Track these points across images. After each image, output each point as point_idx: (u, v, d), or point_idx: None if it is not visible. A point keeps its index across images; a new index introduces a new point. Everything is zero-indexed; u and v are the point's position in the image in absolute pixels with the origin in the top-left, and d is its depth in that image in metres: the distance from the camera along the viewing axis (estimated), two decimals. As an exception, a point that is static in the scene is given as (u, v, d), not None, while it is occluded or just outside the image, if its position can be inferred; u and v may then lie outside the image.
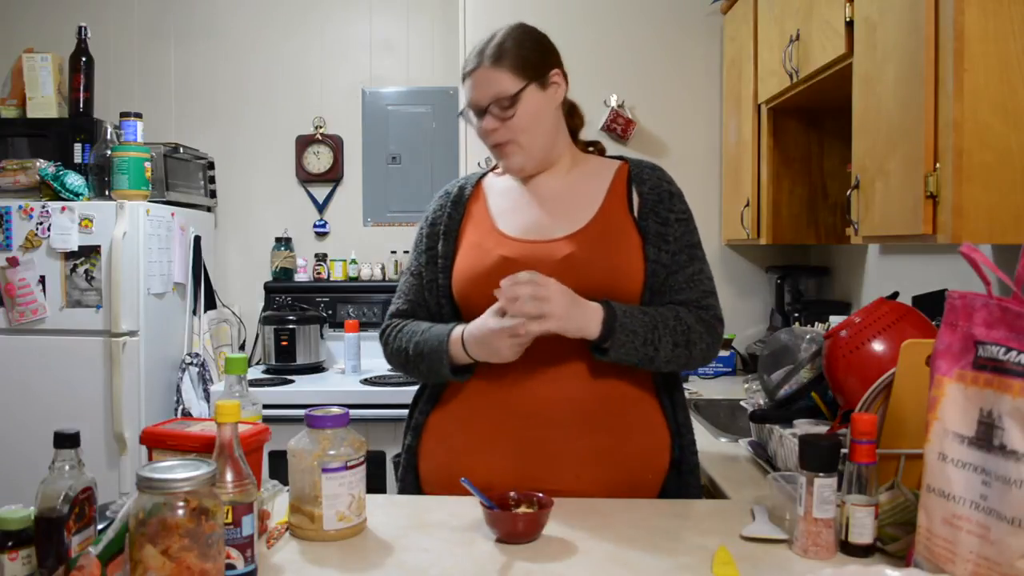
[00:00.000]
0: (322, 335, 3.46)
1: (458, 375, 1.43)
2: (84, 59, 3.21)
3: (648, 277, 1.44)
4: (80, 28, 3.21)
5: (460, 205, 1.56)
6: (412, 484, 1.51)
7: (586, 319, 1.34)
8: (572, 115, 1.61)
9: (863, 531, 1.12)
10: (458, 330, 1.41)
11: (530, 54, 1.46)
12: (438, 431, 1.49)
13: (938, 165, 1.51)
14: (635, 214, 1.48)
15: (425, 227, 1.58)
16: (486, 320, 1.36)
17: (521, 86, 1.44)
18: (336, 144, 3.70)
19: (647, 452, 1.46)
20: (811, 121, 2.73)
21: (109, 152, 2.97)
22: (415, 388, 1.59)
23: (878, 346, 1.46)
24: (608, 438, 1.42)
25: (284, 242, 3.67)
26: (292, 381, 3.21)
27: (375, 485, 2.23)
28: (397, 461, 1.57)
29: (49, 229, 2.89)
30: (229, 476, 1.00)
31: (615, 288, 1.41)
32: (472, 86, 1.46)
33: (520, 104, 1.44)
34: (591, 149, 1.65)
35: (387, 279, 3.63)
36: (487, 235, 1.50)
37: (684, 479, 1.48)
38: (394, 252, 3.69)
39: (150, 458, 1.17)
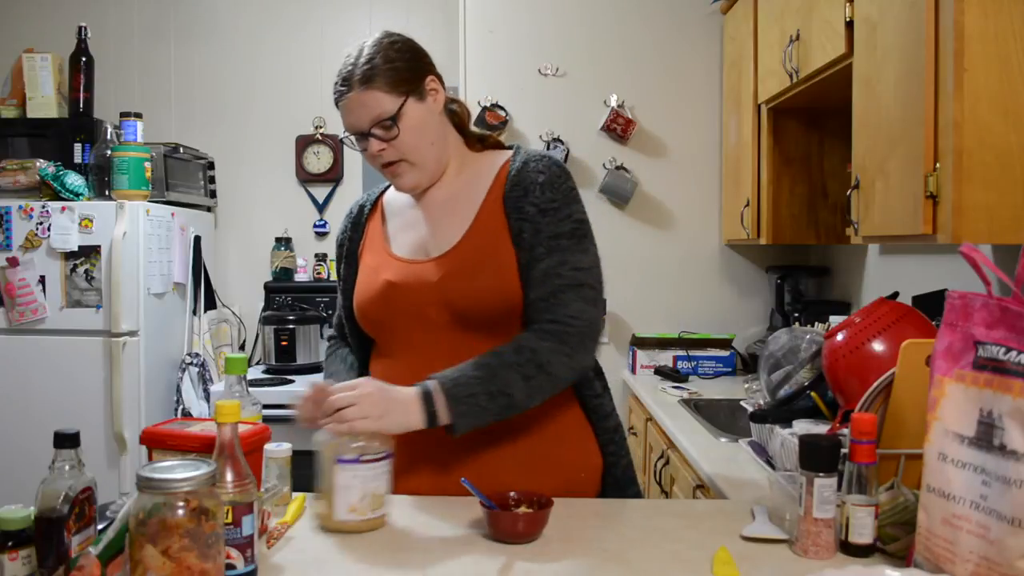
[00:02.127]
0: (322, 335, 3.46)
1: None
2: (84, 59, 3.22)
3: (525, 280, 1.37)
4: (80, 28, 3.21)
5: (359, 226, 1.54)
6: None
7: (406, 413, 1.26)
8: (455, 112, 1.50)
9: (863, 531, 1.12)
10: None
11: (401, 67, 1.37)
12: None
13: (938, 165, 1.51)
14: (506, 218, 1.40)
15: (335, 248, 1.60)
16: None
17: (400, 103, 1.36)
18: (336, 144, 3.70)
19: (576, 451, 1.45)
20: (811, 121, 2.73)
21: (109, 152, 2.97)
22: None
23: (878, 346, 1.46)
24: (534, 444, 1.40)
25: (284, 242, 3.67)
26: (292, 381, 3.21)
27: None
28: None
29: (49, 229, 2.90)
30: (229, 476, 1.00)
31: (496, 304, 1.36)
32: (347, 112, 1.39)
33: (402, 121, 1.36)
34: (481, 143, 1.54)
35: (387, 279, 3.63)
36: (379, 256, 1.48)
37: (615, 473, 1.47)
38: (394, 252, 3.70)
39: (150, 458, 1.17)
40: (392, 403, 1.26)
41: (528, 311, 1.37)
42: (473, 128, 1.55)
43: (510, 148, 1.52)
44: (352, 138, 1.43)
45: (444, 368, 1.32)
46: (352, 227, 1.56)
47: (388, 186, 1.58)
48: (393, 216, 1.54)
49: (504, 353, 1.32)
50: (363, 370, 1.53)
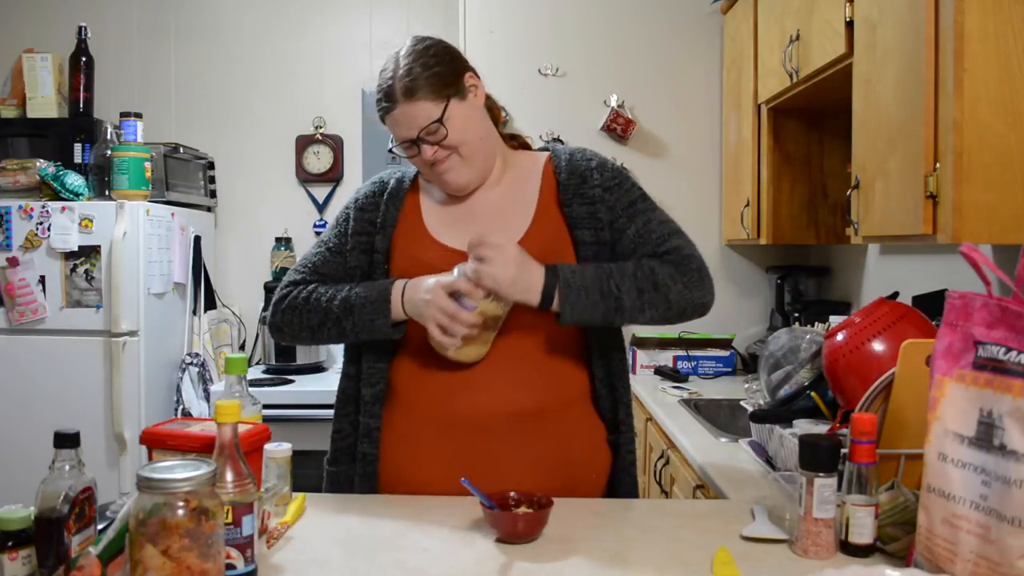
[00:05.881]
0: (322, 335, 3.45)
1: (394, 329, 1.41)
2: (84, 59, 3.21)
3: (618, 254, 1.42)
4: (80, 28, 3.20)
5: (398, 199, 1.51)
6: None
7: (528, 287, 1.33)
8: (490, 108, 1.53)
9: (863, 531, 1.12)
10: (400, 282, 1.41)
11: (441, 71, 1.40)
12: (389, 440, 1.46)
13: (938, 165, 1.51)
14: (563, 208, 1.45)
15: (353, 210, 1.52)
16: (431, 278, 1.37)
17: (443, 106, 1.39)
18: (336, 144, 3.70)
19: (588, 453, 1.46)
20: (811, 121, 2.73)
21: (109, 152, 2.97)
22: None
23: (878, 346, 1.46)
24: (549, 444, 1.41)
25: (284, 242, 3.67)
26: (292, 381, 3.20)
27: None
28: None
29: (49, 229, 2.89)
30: (229, 476, 1.00)
31: None
32: (395, 125, 1.42)
33: (448, 121, 1.39)
34: (513, 142, 1.59)
35: (387, 279, 3.63)
36: (421, 244, 1.45)
37: (618, 476, 1.48)
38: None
39: (150, 458, 1.17)
40: (523, 273, 1.32)
41: None
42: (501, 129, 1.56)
43: (542, 151, 1.56)
44: (399, 148, 1.44)
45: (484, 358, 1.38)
46: (390, 198, 1.51)
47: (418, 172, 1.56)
48: (432, 206, 1.51)
49: (625, 264, 1.39)
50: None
